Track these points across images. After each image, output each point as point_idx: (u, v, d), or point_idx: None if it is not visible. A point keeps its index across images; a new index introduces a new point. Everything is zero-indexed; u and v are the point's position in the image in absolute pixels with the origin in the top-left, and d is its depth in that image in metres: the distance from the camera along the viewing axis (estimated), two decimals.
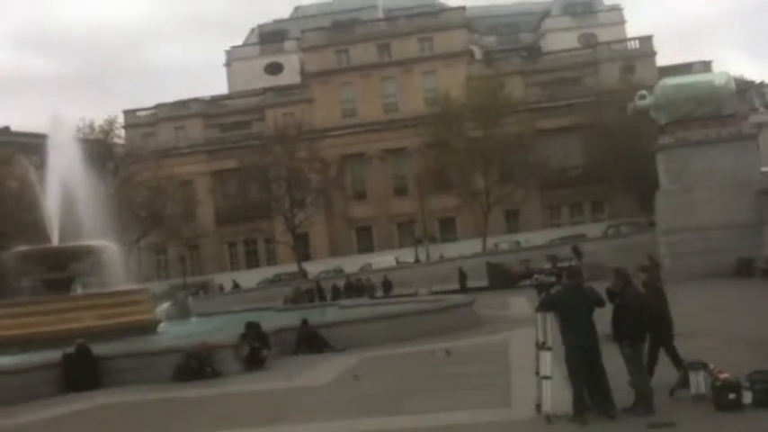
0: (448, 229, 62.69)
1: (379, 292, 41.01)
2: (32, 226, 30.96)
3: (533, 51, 72.70)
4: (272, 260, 63.60)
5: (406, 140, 61.07)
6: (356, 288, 41.34)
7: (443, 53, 63.96)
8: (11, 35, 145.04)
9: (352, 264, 54.91)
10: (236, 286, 55.69)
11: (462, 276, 40.88)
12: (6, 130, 74.11)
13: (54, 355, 17.34)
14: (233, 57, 79.47)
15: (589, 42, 69.70)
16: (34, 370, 16.67)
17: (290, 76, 72.69)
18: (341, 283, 43.27)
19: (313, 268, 55.95)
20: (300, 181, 56.03)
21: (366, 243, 63.39)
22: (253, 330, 17.95)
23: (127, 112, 66.78)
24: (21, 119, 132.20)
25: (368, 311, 24.38)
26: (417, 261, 53.40)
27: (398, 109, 63.99)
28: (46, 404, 14.97)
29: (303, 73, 68.58)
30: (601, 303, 9.90)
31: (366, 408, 11.70)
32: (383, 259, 53.83)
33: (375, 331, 19.88)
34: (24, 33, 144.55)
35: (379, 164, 63.74)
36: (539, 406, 9.70)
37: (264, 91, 67.51)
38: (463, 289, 38.65)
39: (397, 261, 53.07)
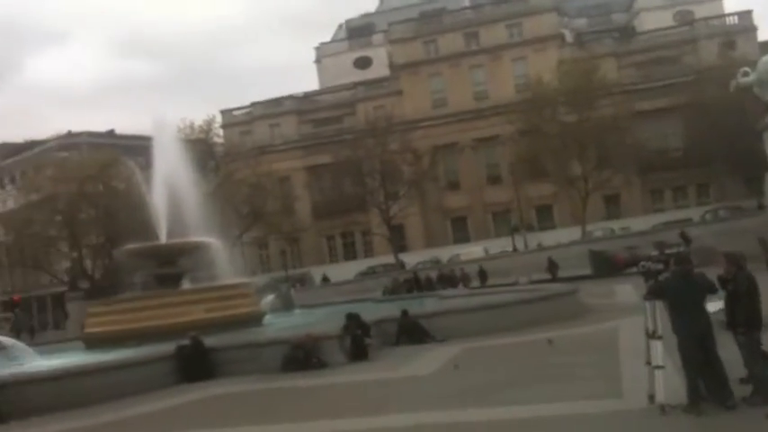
0: (545, 217, 61.85)
1: (475, 282, 40.91)
2: (141, 224, 32.31)
3: (627, 32, 70.61)
4: (368, 252, 64.39)
5: (497, 128, 60.49)
6: (449, 278, 41.42)
7: (533, 38, 63.05)
8: (112, 44, 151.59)
9: (447, 254, 55.04)
10: (324, 279, 56.52)
11: (552, 265, 40.02)
12: (111, 133, 77.66)
13: (167, 347, 17.99)
14: (322, 53, 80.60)
15: (685, 19, 67.20)
16: (151, 362, 17.30)
17: (378, 70, 73.19)
18: (433, 273, 43.38)
19: (410, 259, 56.32)
20: (393, 173, 56.52)
21: (461, 233, 63.29)
22: (353, 321, 18.27)
23: (224, 112, 68.84)
24: (124, 122, 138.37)
25: (467, 301, 24.29)
26: (515, 250, 52.91)
27: (489, 97, 63.47)
28: (163, 395, 15.55)
29: (392, 65, 68.92)
30: (712, 290, 9.58)
31: (470, 398, 11.70)
32: (472, 250, 53.68)
33: (476, 321, 19.74)
34: (125, 41, 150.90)
35: (472, 153, 63.41)
36: (652, 396, 9.49)
37: (354, 85, 68.28)
38: (554, 278, 37.78)
39: (486, 251, 52.69)
